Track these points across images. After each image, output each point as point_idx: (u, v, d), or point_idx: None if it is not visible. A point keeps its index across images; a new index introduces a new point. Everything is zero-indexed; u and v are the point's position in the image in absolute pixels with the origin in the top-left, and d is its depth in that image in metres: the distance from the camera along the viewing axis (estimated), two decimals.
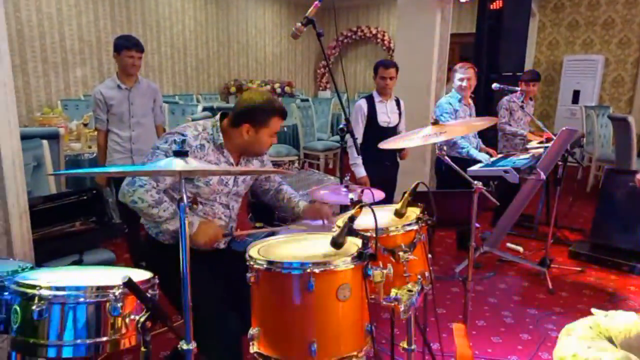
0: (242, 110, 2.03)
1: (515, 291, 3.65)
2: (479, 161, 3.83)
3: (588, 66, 8.16)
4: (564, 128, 3.41)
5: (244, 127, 2.02)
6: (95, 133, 4.52)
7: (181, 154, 1.30)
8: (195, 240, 1.91)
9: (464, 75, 3.92)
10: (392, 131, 3.81)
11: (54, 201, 2.99)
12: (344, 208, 3.12)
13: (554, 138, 3.54)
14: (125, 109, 3.53)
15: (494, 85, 4.20)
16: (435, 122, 2.14)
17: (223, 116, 2.11)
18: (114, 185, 3.54)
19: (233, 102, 9.19)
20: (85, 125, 4.97)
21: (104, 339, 1.39)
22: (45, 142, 3.18)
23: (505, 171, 3.40)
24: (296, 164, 6.74)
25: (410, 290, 1.61)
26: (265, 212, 3.26)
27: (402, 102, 3.97)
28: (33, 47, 6.58)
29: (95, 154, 4.30)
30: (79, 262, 2.83)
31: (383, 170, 3.81)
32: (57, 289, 1.34)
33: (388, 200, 3.29)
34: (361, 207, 1.46)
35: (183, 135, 1.98)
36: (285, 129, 7.25)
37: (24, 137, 2.49)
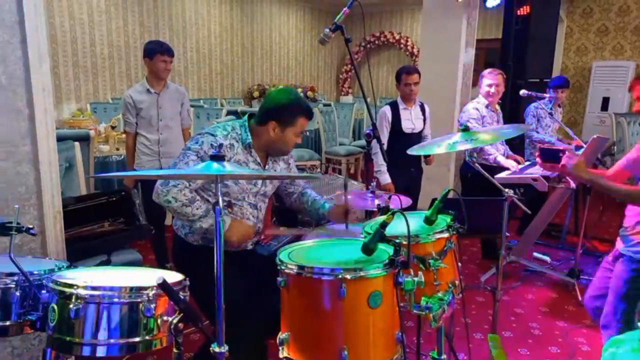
0: (269, 108, 2.06)
1: (543, 302, 3.58)
2: (506, 168, 3.78)
3: (618, 72, 8.00)
4: (595, 136, 3.34)
5: (271, 124, 2.04)
6: (123, 135, 4.61)
7: (218, 158, 1.31)
8: (228, 238, 1.95)
9: (492, 81, 3.88)
10: (416, 137, 3.79)
11: (85, 202, 3.05)
12: (369, 214, 3.12)
13: (584, 146, 3.48)
14: (154, 113, 3.59)
15: (522, 92, 4.15)
16: (465, 129, 2.12)
17: (250, 117, 2.14)
18: (140, 188, 3.60)
19: (256, 107, 9.26)
20: (113, 127, 5.07)
21: (137, 339, 1.40)
22: (77, 144, 3.25)
23: (534, 179, 3.35)
24: (318, 169, 6.76)
25: (441, 299, 1.60)
26: (289, 216, 3.27)
27: (427, 108, 3.94)
28: (65, 52, 6.74)
29: (123, 156, 4.38)
30: (107, 262, 2.88)
31: (408, 176, 3.79)
32: (93, 288, 1.37)
33: (413, 206, 3.28)
34: (393, 214, 1.45)
35: (213, 135, 2.01)
36: (308, 133, 7.27)
37: (57, 139, 2.55)
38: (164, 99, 3.62)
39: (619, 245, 2.24)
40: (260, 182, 2.15)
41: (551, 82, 4.69)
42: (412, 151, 2.25)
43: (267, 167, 2.20)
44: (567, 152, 2.12)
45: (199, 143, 1.99)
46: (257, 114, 2.11)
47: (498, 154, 3.89)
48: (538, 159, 2.28)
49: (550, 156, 2.19)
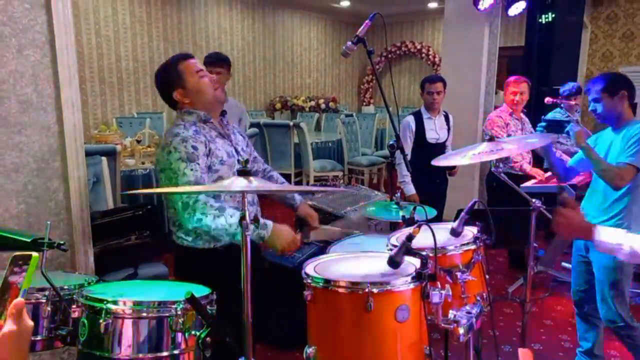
0: (162, 87, 2.02)
1: (573, 314, 3.48)
2: (532, 177, 3.71)
3: None
4: None
5: (177, 93, 1.97)
6: (149, 149, 4.68)
7: (245, 173, 1.32)
8: (272, 245, 1.87)
9: (517, 89, 3.83)
10: (441, 147, 3.76)
11: (111, 216, 3.11)
12: (393, 225, 3.09)
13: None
14: None
15: (547, 100, 4.08)
16: (491, 139, 2.09)
17: (173, 109, 2.07)
18: None
19: (278, 118, 9.33)
20: (139, 142, 5.15)
21: (165, 353, 1.41)
22: (104, 158, 3.32)
23: (561, 188, 3.29)
24: (341, 179, 6.76)
25: (469, 312, 1.57)
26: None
27: (451, 117, 3.91)
28: (92, 68, 6.91)
29: (148, 170, 4.45)
30: (133, 276, 2.92)
31: (432, 187, 3.75)
32: (123, 303, 1.38)
33: (438, 217, 3.24)
34: (420, 227, 1.44)
35: (176, 135, 1.89)
36: (330, 144, 7.29)
37: (85, 155, 2.61)
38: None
39: None
40: (235, 153, 2.04)
41: (562, 92, 4.56)
42: (437, 162, 2.23)
43: (228, 135, 2.08)
44: (571, 122, 2.38)
45: (175, 149, 1.85)
46: (168, 105, 2.05)
47: (524, 161, 3.83)
48: (543, 130, 2.51)
49: (555, 126, 2.42)
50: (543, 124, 2.37)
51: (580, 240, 2.52)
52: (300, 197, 2.30)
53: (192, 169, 1.85)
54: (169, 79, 1.99)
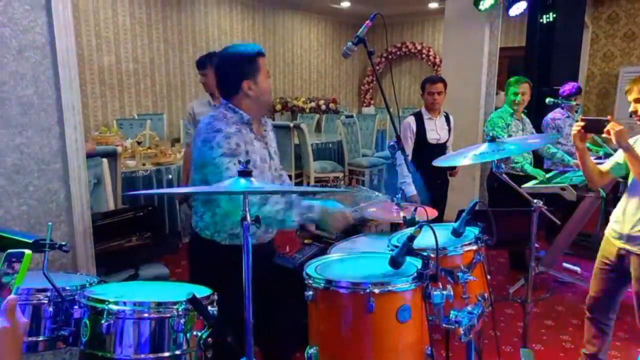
0: (230, 74, 1.98)
1: (574, 314, 3.48)
2: (533, 177, 3.71)
3: None
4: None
5: (245, 84, 1.95)
6: (149, 150, 4.69)
7: (245, 174, 1.32)
8: (327, 226, 1.94)
9: (518, 90, 3.83)
10: (442, 148, 3.76)
11: (112, 217, 3.11)
12: (394, 226, 3.09)
13: (613, 153, 3.40)
14: None
15: (548, 100, 4.08)
16: (492, 139, 2.09)
17: (225, 99, 2.04)
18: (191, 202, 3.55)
19: (279, 119, 9.33)
20: (139, 143, 5.16)
21: (166, 354, 1.41)
22: (105, 160, 3.32)
23: (562, 188, 3.29)
24: (342, 180, 6.75)
25: (470, 313, 1.57)
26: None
27: (452, 118, 3.91)
28: (92, 70, 6.91)
29: (149, 171, 4.45)
30: (134, 277, 2.92)
31: (433, 188, 3.74)
32: (124, 303, 1.38)
33: (439, 218, 3.24)
34: (421, 227, 1.44)
35: (220, 131, 1.91)
36: (330, 145, 7.29)
37: (86, 156, 2.61)
38: None
39: (626, 244, 2.31)
40: (268, 157, 2.08)
41: (562, 92, 4.55)
42: (437, 162, 2.23)
43: (264, 137, 2.12)
44: (611, 121, 2.18)
45: (218, 145, 1.88)
46: (224, 89, 2.02)
47: (525, 162, 3.82)
48: (580, 129, 2.28)
49: (594, 126, 2.23)
50: (580, 123, 2.25)
51: (611, 246, 2.41)
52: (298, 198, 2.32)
53: (234, 164, 1.86)
54: (245, 67, 1.96)
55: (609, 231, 2.45)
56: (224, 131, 1.91)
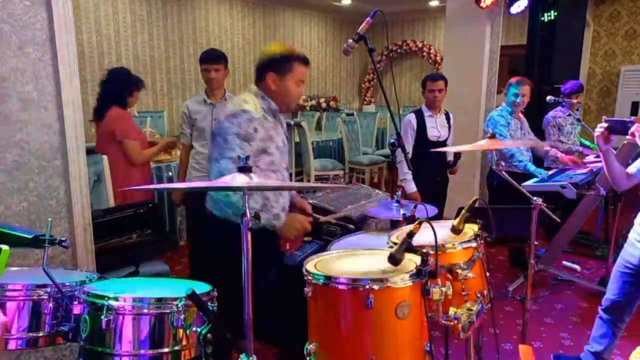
0: (264, 62, 2.09)
1: (573, 312, 3.49)
2: (534, 176, 3.71)
3: None
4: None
5: (269, 77, 2.07)
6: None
7: (245, 169, 1.32)
8: (283, 233, 2.07)
9: (519, 90, 3.82)
10: (442, 145, 3.76)
11: (113, 214, 3.10)
12: (394, 223, 3.10)
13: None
14: (208, 125, 3.41)
15: (549, 98, 4.08)
16: (492, 136, 2.09)
17: (259, 79, 2.15)
18: (189, 204, 3.54)
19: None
20: None
21: (166, 350, 1.41)
22: (105, 157, 3.31)
23: (563, 186, 3.29)
24: (342, 178, 6.76)
25: (469, 309, 1.58)
26: (314, 226, 3.28)
27: (452, 116, 3.91)
28: (92, 67, 6.91)
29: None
30: (134, 274, 2.92)
31: (433, 185, 3.75)
32: (124, 299, 1.39)
33: (439, 215, 3.24)
34: (420, 223, 1.44)
35: (246, 112, 2.02)
36: (331, 143, 7.29)
37: (86, 153, 2.61)
38: (220, 111, 3.38)
39: None
40: (282, 145, 2.19)
41: (564, 90, 4.54)
42: (436, 150, 2.22)
43: (284, 131, 2.25)
44: (636, 123, 2.13)
45: (238, 124, 1.98)
46: (255, 72, 2.13)
47: (528, 161, 3.82)
48: (604, 131, 2.23)
49: (619, 127, 2.19)
50: (604, 124, 2.21)
51: (635, 250, 2.33)
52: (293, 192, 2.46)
53: (241, 148, 1.96)
54: (277, 61, 2.06)
55: (633, 234, 2.39)
56: (250, 114, 2.01)
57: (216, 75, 3.39)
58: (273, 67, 2.06)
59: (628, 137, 2.15)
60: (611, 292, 2.48)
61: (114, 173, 3.30)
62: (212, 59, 3.38)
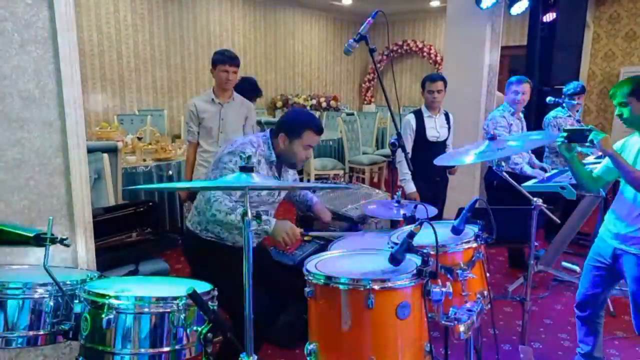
0: (281, 121, 2.24)
1: (573, 313, 3.47)
2: (532, 177, 3.71)
3: None
4: None
5: (281, 136, 2.18)
6: (150, 146, 4.68)
7: (247, 169, 1.33)
8: (274, 238, 2.10)
9: (519, 89, 3.83)
10: (441, 146, 3.76)
11: (113, 213, 3.11)
12: (394, 224, 3.10)
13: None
14: (215, 124, 3.46)
15: (549, 99, 4.08)
16: (493, 138, 2.10)
17: (272, 133, 2.26)
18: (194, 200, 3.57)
19: (279, 117, 9.33)
20: (140, 139, 5.16)
21: (166, 349, 1.42)
22: (105, 155, 3.32)
23: (562, 187, 3.28)
24: (342, 178, 6.76)
25: (470, 310, 1.58)
26: (312, 225, 3.28)
27: (451, 116, 3.91)
28: (93, 65, 6.91)
29: (149, 167, 4.45)
30: (134, 272, 2.92)
31: (433, 185, 3.75)
32: (125, 298, 1.39)
33: (438, 216, 3.24)
34: (421, 224, 1.44)
35: (245, 147, 2.15)
36: (331, 142, 7.29)
37: (87, 151, 2.61)
38: (228, 111, 3.49)
39: (622, 245, 2.29)
40: (276, 194, 2.29)
41: (566, 90, 4.54)
42: (439, 162, 2.24)
43: (282, 178, 2.32)
44: (593, 130, 2.19)
45: (233, 162, 2.10)
46: (274, 126, 2.25)
47: (525, 164, 3.83)
48: (564, 140, 2.27)
49: (578, 136, 2.24)
50: (564, 134, 2.23)
51: (606, 246, 2.40)
52: (315, 197, 2.58)
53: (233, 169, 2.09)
54: (291, 126, 2.19)
55: (604, 231, 2.46)
56: (247, 150, 2.12)
57: (234, 77, 3.48)
58: (285, 130, 2.18)
59: (587, 144, 2.20)
60: (583, 287, 2.55)
61: None
62: (232, 60, 3.45)
